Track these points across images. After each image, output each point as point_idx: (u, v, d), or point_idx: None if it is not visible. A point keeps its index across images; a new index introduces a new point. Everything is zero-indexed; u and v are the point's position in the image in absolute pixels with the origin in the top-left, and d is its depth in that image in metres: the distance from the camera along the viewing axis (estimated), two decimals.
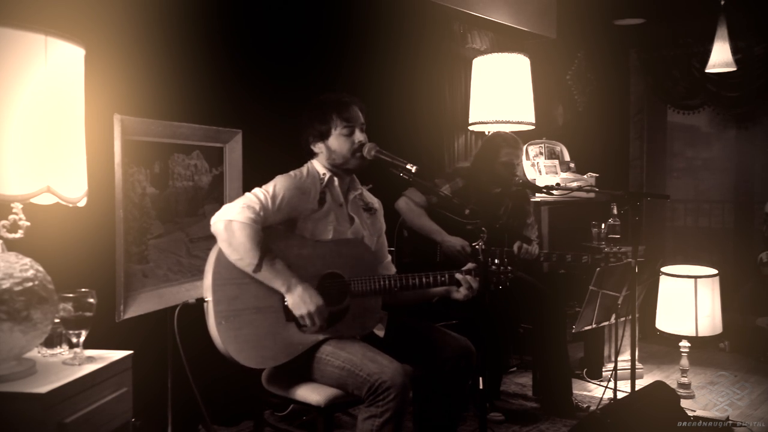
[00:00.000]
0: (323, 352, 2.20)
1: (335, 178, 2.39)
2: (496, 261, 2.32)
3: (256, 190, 2.24)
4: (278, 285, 2.16)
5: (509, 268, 2.33)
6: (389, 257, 2.60)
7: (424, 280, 2.33)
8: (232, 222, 2.14)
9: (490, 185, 3.40)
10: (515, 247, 3.22)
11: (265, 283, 2.16)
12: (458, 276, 2.34)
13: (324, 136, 2.36)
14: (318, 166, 2.41)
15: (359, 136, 2.35)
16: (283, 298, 2.18)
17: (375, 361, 2.11)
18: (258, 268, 2.13)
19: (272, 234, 2.23)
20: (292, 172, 2.36)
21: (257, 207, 2.17)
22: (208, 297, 2.14)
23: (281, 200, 2.23)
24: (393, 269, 2.59)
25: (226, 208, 2.19)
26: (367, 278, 2.29)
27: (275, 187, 2.26)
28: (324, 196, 2.35)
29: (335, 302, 2.25)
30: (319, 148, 2.39)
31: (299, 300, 2.15)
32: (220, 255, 2.17)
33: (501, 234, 3.19)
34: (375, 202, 2.57)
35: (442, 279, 2.34)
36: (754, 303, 4.54)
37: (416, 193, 3.29)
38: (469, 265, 2.38)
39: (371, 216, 2.52)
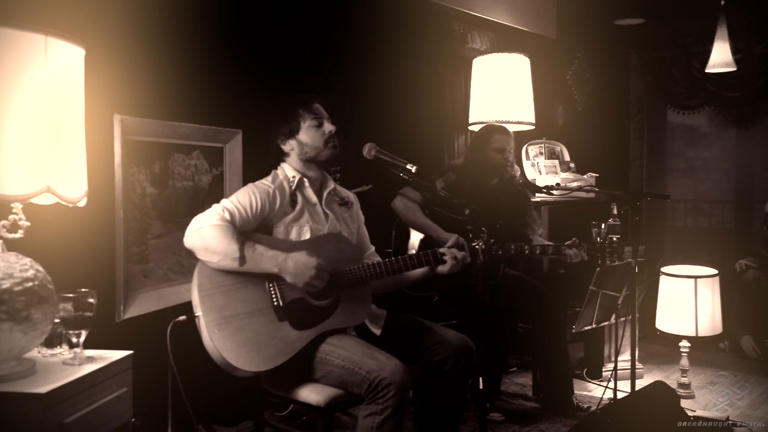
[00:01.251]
0: (323, 351, 2.20)
1: (305, 180, 2.39)
2: (480, 237, 2.29)
3: (223, 201, 2.24)
4: (268, 267, 2.14)
5: (492, 240, 2.32)
6: (372, 248, 2.60)
7: (408, 261, 2.33)
8: (202, 228, 2.14)
9: (484, 176, 3.38)
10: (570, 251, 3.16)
11: (255, 272, 2.14)
12: (441, 250, 2.35)
13: (294, 132, 2.38)
14: (287, 168, 2.41)
15: (328, 126, 2.37)
16: (271, 299, 2.18)
17: (374, 358, 2.11)
18: (242, 260, 2.11)
19: (253, 239, 2.21)
20: (258, 181, 2.36)
21: (223, 212, 2.17)
22: (198, 312, 2.12)
23: (248, 206, 2.23)
24: (377, 259, 2.58)
25: (194, 220, 2.18)
26: (352, 269, 2.28)
27: (240, 195, 2.26)
28: (295, 198, 2.35)
29: (324, 297, 2.25)
30: (290, 145, 2.39)
31: (295, 271, 2.13)
32: (201, 267, 2.17)
33: (499, 233, 3.19)
34: (350, 195, 2.58)
35: (426, 258, 2.35)
36: (746, 317, 4.52)
37: (411, 191, 3.29)
38: (451, 241, 2.38)
39: (348, 209, 2.52)
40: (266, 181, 2.36)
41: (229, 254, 2.11)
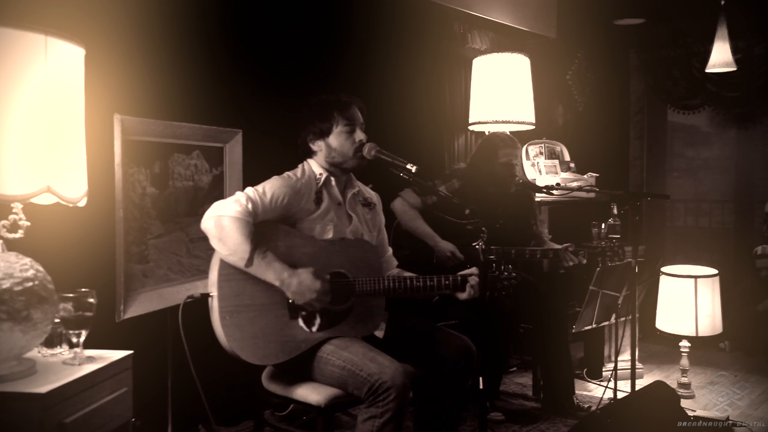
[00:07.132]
0: (324, 351, 2.20)
1: (332, 178, 2.39)
2: (501, 267, 2.31)
3: (248, 189, 2.24)
4: (271, 278, 2.14)
5: (514, 273, 2.32)
6: (390, 250, 2.61)
7: (428, 282, 2.33)
8: (222, 217, 2.13)
9: (488, 186, 3.38)
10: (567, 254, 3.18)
11: (258, 276, 2.14)
12: (462, 279, 2.34)
13: (324, 134, 2.36)
14: (315, 166, 2.40)
15: (360, 134, 2.35)
16: (287, 295, 2.17)
17: (375, 361, 2.10)
18: (249, 262, 2.11)
19: (277, 232, 2.23)
20: (285, 174, 2.35)
21: (246, 202, 2.16)
22: (213, 292, 2.13)
23: (271, 198, 2.22)
24: (394, 262, 2.60)
25: (215, 205, 2.18)
26: (371, 279, 2.28)
27: (266, 186, 2.25)
28: (320, 196, 2.34)
29: (339, 302, 2.25)
30: (318, 146, 2.38)
31: (297, 291, 2.14)
32: None
33: (500, 234, 3.19)
34: (374, 196, 2.57)
35: (446, 282, 2.33)
36: (754, 295, 4.56)
37: (411, 195, 3.28)
38: (474, 269, 2.36)
39: (371, 211, 2.52)
40: (294, 175, 2.35)
41: (239, 252, 2.11)
